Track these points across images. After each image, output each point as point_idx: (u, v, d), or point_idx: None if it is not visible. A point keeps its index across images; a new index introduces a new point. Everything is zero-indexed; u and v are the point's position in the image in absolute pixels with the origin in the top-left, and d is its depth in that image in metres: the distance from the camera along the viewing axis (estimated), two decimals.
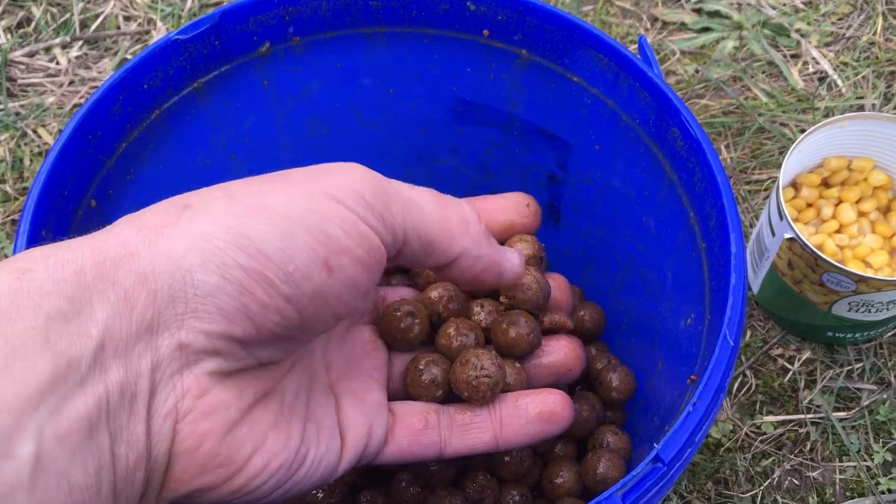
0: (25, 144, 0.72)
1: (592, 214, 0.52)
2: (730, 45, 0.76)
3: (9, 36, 0.78)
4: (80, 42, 0.77)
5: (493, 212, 0.43)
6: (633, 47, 0.74)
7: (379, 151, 0.53)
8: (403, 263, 0.34)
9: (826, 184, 0.62)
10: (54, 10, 0.80)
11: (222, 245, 0.28)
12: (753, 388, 0.61)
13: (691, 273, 0.42)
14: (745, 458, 0.58)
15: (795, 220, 0.61)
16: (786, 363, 0.62)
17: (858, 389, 0.60)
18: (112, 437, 0.26)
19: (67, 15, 0.79)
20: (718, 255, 0.39)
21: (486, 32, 0.47)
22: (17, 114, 0.73)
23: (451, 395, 0.38)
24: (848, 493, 0.57)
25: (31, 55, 0.77)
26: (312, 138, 0.51)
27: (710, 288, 0.40)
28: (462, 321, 0.40)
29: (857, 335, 0.60)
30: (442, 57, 0.49)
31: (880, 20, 0.76)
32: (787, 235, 0.55)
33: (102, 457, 0.26)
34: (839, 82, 0.73)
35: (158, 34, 0.78)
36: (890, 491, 0.57)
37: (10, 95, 0.75)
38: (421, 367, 0.38)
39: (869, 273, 0.57)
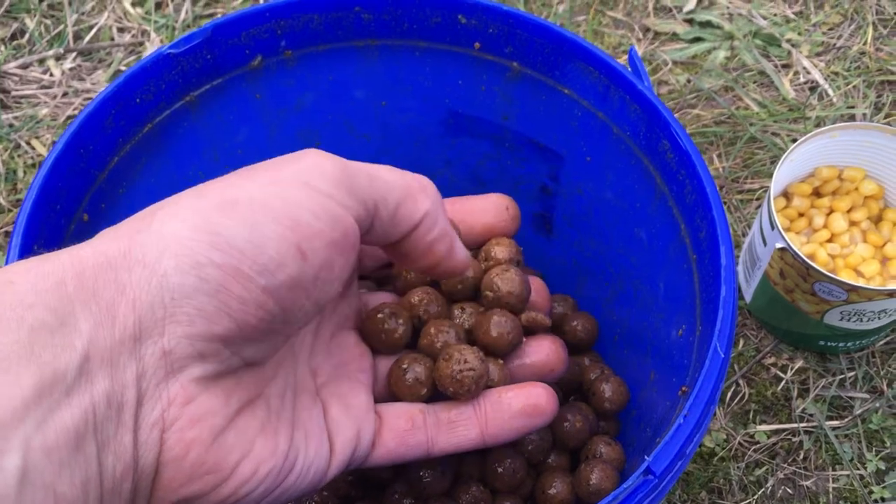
0: (19, 156, 0.72)
1: (585, 226, 0.52)
2: (721, 55, 0.76)
3: (2, 47, 0.78)
4: (74, 54, 0.78)
5: (473, 213, 0.43)
6: (625, 58, 0.75)
7: (372, 163, 0.53)
8: (374, 241, 0.33)
9: (817, 193, 0.62)
10: (48, 21, 0.80)
11: (194, 245, 0.28)
12: (746, 396, 0.61)
13: (682, 284, 0.42)
14: (738, 467, 0.58)
15: (787, 229, 0.61)
16: (779, 372, 0.62)
17: (851, 398, 0.61)
18: (99, 448, 0.26)
19: (61, 26, 0.79)
20: (709, 267, 0.39)
21: (477, 45, 0.47)
22: (11, 125, 0.74)
23: (435, 395, 0.39)
24: (841, 502, 0.57)
25: (24, 67, 0.77)
26: None
27: (700, 299, 0.40)
28: (442, 321, 0.40)
29: (849, 344, 0.60)
30: (434, 69, 0.49)
31: (871, 30, 0.77)
32: (779, 245, 0.56)
33: (90, 468, 0.26)
34: (830, 92, 0.74)
35: (152, 46, 0.78)
36: (883, 500, 0.57)
37: (4, 107, 0.75)
38: (404, 366, 0.38)
39: (860, 282, 0.57)
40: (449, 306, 0.42)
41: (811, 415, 0.60)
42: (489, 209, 0.43)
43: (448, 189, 0.55)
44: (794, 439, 0.59)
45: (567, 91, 0.46)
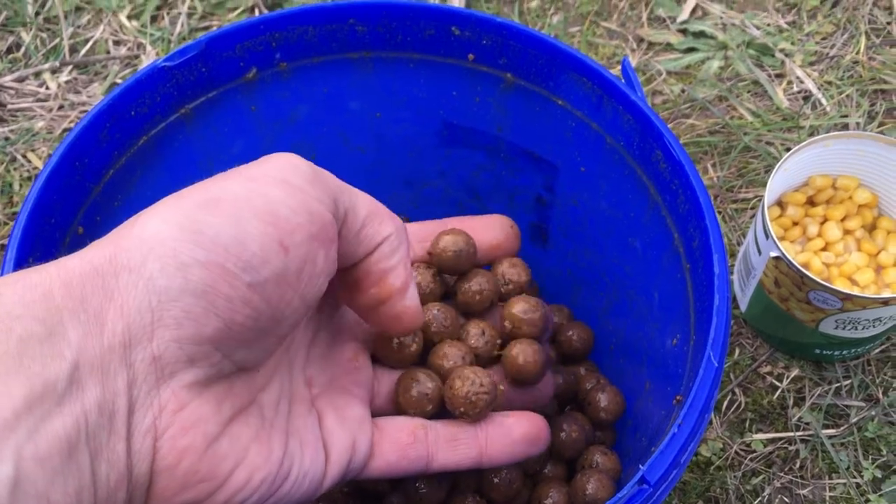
0: (15, 169, 0.72)
1: (580, 236, 0.53)
2: (715, 64, 0.76)
3: None
4: (70, 67, 0.78)
5: (477, 230, 0.43)
6: (619, 68, 0.75)
7: (367, 175, 0.53)
8: (338, 257, 0.33)
9: (811, 202, 0.62)
10: (44, 34, 0.80)
11: (177, 245, 0.28)
12: (743, 405, 0.61)
13: (677, 294, 0.42)
14: (735, 476, 0.58)
15: (781, 238, 0.61)
16: (774, 381, 0.62)
17: (847, 406, 0.61)
18: (92, 456, 0.26)
19: (57, 40, 0.79)
20: (702, 276, 0.39)
21: (471, 57, 0.47)
22: (7, 139, 0.74)
23: (438, 412, 0.39)
24: None
25: (20, 80, 0.77)
26: None
27: (694, 308, 0.40)
28: (456, 342, 0.40)
29: (844, 352, 0.61)
30: (428, 81, 0.49)
31: (863, 39, 0.77)
32: (774, 254, 0.56)
33: (83, 477, 0.26)
34: (823, 101, 0.74)
35: (148, 58, 0.78)
36: None
37: (0, 120, 0.75)
38: (414, 380, 0.38)
39: (855, 291, 0.58)
40: (461, 327, 0.42)
41: (807, 423, 0.60)
42: (494, 226, 0.44)
43: (443, 200, 0.56)
44: (790, 448, 0.59)
45: (561, 102, 0.47)
